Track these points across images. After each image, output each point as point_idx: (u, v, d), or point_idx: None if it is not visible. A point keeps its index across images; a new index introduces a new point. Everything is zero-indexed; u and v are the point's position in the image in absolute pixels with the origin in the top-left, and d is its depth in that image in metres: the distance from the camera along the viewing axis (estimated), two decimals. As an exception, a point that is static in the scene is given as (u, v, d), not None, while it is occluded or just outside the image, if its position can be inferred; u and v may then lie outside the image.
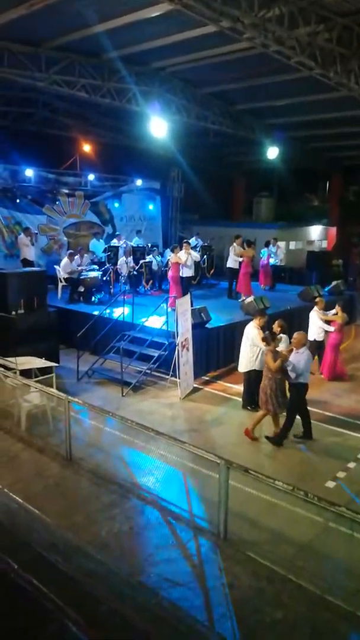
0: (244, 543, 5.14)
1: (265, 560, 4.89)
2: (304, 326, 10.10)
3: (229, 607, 4.37)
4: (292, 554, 5.00)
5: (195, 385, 9.64)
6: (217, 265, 17.41)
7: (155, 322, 10.45)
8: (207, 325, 10.56)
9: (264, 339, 7.61)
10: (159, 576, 4.68)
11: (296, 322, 11.69)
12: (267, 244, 15.76)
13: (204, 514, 5.67)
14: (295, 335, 7.40)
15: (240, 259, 13.49)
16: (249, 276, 13.74)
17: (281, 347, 7.64)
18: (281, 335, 7.82)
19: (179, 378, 9.13)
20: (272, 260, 15.83)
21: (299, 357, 7.17)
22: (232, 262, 13.88)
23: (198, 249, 16.43)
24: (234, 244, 13.84)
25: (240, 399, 8.84)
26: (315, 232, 23.89)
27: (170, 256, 13.27)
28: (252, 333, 8.22)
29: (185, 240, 14.09)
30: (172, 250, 13.10)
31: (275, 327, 7.98)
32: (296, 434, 7.55)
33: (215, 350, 10.69)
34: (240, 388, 9.50)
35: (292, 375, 7.18)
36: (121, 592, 3.21)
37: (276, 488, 4.95)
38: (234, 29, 8.62)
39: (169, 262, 13.10)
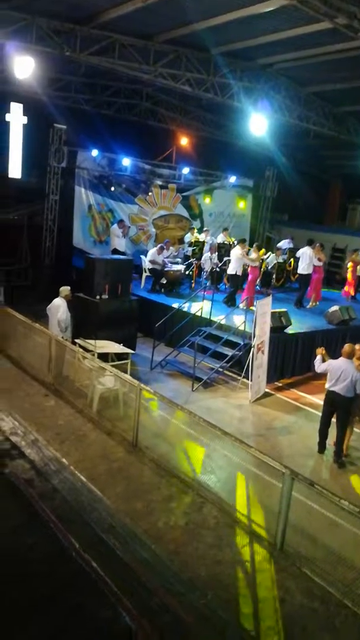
0: (300, 558, 5.00)
1: (321, 580, 4.72)
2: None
3: (277, 622, 4.26)
4: (350, 578, 4.78)
5: (266, 390, 9.47)
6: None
7: (232, 320, 10.37)
8: (286, 330, 10.32)
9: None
10: (209, 577, 4.66)
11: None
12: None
13: (262, 521, 5.56)
14: None
15: (320, 264, 12.81)
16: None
17: None
18: None
19: (251, 380, 9.01)
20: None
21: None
22: (307, 268, 12.62)
23: (285, 251, 16.06)
24: (309, 248, 12.71)
25: (312, 410, 8.58)
26: None
27: (247, 255, 12.07)
28: None
29: (241, 239, 13.14)
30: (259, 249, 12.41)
31: None
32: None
33: (292, 357, 10.41)
34: (313, 399, 9.24)
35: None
36: (172, 587, 3.22)
37: (341, 507, 4.76)
38: (350, 26, 8.28)
39: (242, 261, 11.92)
